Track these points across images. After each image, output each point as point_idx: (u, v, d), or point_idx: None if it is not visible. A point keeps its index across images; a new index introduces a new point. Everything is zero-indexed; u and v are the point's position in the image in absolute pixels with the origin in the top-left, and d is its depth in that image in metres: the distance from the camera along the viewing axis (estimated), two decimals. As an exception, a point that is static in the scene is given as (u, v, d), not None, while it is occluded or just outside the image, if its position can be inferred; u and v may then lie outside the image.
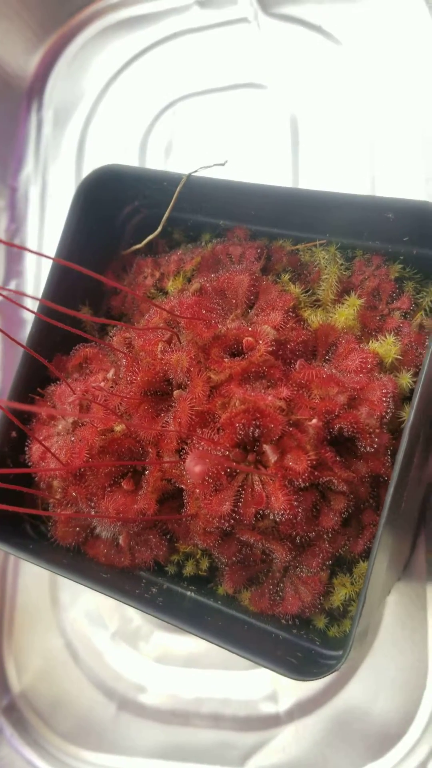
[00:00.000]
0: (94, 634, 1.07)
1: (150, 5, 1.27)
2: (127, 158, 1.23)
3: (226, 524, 0.66)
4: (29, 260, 1.28)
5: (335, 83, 1.10)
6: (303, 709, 0.94)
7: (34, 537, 0.80)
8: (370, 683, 0.91)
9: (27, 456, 0.77)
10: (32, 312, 0.70)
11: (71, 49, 1.32)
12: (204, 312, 0.72)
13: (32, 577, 1.11)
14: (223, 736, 0.96)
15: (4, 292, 1.22)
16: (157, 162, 1.21)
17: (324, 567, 0.69)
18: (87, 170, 1.25)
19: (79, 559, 0.76)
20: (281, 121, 1.13)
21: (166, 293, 0.82)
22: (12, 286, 1.26)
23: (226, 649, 0.62)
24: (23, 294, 0.65)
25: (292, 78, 1.14)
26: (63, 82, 1.32)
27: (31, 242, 1.27)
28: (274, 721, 0.95)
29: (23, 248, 0.56)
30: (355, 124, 1.08)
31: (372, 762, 0.87)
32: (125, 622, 1.05)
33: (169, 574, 0.76)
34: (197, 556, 0.75)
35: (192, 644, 1.00)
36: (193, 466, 0.60)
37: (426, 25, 1.06)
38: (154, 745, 0.98)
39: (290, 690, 0.95)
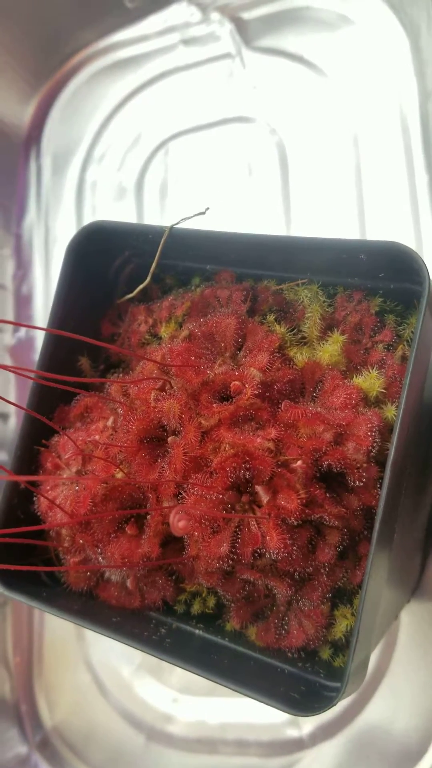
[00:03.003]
0: (119, 668, 1.10)
1: (136, 48, 1.31)
2: (126, 200, 1.26)
3: (226, 565, 0.68)
4: (38, 303, 1.32)
5: (319, 111, 1.13)
6: (325, 732, 0.96)
7: (49, 583, 0.83)
8: (389, 703, 0.93)
9: (36, 507, 0.80)
10: (30, 378, 0.73)
11: (64, 96, 1.37)
12: (193, 358, 0.75)
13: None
14: (249, 762, 0.98)
15: (14, 333, 1.27)
16: (154, 202, 1.25)
17: (325, 599, 0.71)
18: (87, 214, 1.30)
19: (91, 604, 0.79)
20: (270, 151, 1.16)
21: (159, 338, 0.85)
22: (23, 330, 1.30)
23: (230, 688, 0.64)
24: (35, 327, 0.68)
25: (277, 109, 1.17)
26: (58, 128, 1.36)
27: (38, 286, 1.32)
28: (297, 745, 0.97)
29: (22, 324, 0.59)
30: (340, 151, 1.10)
31: (395, 781, 0.89)
32: (149, 655, 1.07)
33: (178, 613, 0.78)
34: (203, 595, 0.78)
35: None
36: (177, 522, 0.62)
37: (403, 47, 1.08)
38: (183, 774, 1.01)
39: (312, 714, 0.97)
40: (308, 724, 0.97)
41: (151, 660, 1.07)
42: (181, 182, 1.24)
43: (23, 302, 1.32)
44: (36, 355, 1.25)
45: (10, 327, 1.32)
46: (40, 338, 1.23)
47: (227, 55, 1.23)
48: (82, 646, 1.13)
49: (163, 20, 1.28)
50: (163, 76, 1.29)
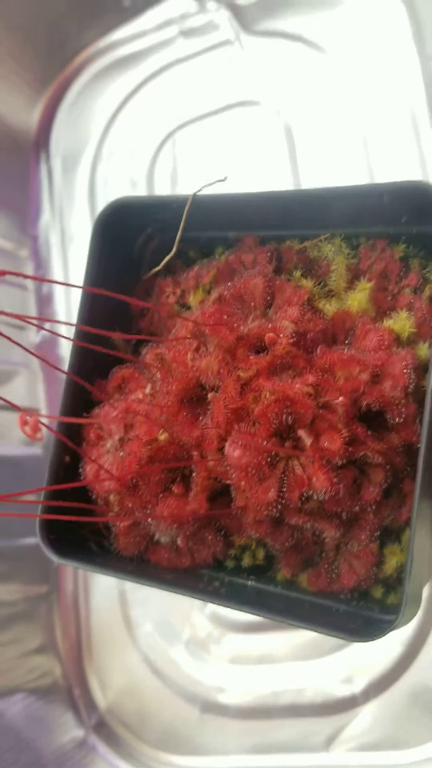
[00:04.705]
0: (168, 645, 1.11)
1: (136, 44, 1.33)
2: (137, 192, 1.28)
3: (275, 511, 0.70)
4: (59, 302, 1.34)
5: (322, 87, 1.15)
6: (378, 687, 0.97)
7: (99, 552, 0.85)
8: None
9: (82, 477, 0.82)
10: (70, 339, 0.75)
11: (69, 97, 1.39)
12: (225, 317, 0.77)
13: (102, 598, 1.16)
14: (303, 724, 0.99)
15: (42, 328, 1.29)
16: (165, 191, 1.27)
17: (373, 539, 0.73)
18: (100, 210, 1.32)
19: (143, 566, 0.81)
20: (276, 131, 1.18)
21: (189, 308, 0.87)
22: (46, 326, 1.32)
23: (289, 623, 0.66)
24: (56, 322, 0.70)
25: (280, 89, 1.19)
26: (65, 130, 1.39)
27: (57, 285, 1.33)
28: (351, 703, 0.98)
29: (53, 281, 0.61)
30: (346, 123, 1.12)
31: (452, 726, 0.90)
32: (196, 629, 1.09)
33: (229, 568, 0.80)
34: (252, 548, 0.80)
35: (262, 642, 1.04)
36: (232, 452, 0.64)
37: (400, 14, 1.09)
38: (240, 742, 1.02)
39: (363, 671, 0.98)
40: (360, 681, 0.98)
41: (198, 635, 1.09)
42: (191, 170, 1.26)
43: (45, 301, 1.35)
44: (61, 351, 1.28)
45: (32, 326, 1.35)
46: (64, 334, 1.25)
47: (226, 42, 1.25)
48: (129, 627, 1.14)
49: (161, 14, 1.30)
50: (164, 69, 1.31)
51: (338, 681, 0.99)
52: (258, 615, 0.67)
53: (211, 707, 1.06)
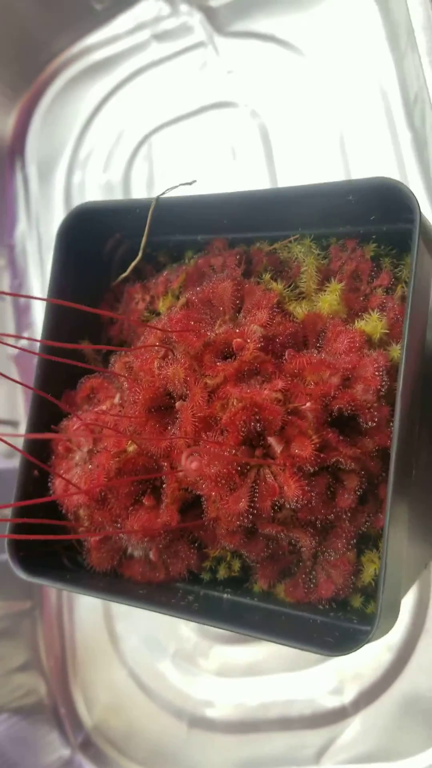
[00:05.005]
0: (154, 659, 1.08)
1: (109, 48, 1.32)
2: (114, 197, 1.27)
3: (247, 521, 0.68)
4: (37, 311, 1.32)
5: (297, 88, 1.13)
6: (368, 696, 0.94)
7: (72, 568, 0.82)
8: (428, 661, 0.92)
9: (51, 491, 0.80)
10: (33, 353, 0.74)
11: (43, 104, 1.38)
12: (192, 323, 0.74)
13: (87, 613, 1.14)
14: (293, 737, 0.97)
15: (15, 343, 1.27)
16: (141, 195, 1.25)
17: (350, 547, 0.71)
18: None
19: (116, 582, 0.79)
20: (252, 133, 1.16)
21: (158, 314, 0.85)
22: (25, 339, 1.30)
23: (263, 639, 0.63)
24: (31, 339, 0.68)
25: (255, 91, 1.17)
26: (40, 137, 1.37)
27: (35, 294, 1.32)
28: (341, 714, 0.95)
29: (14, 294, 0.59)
30: (322, 123, 1.10)
31: (443, 736, 0.88)
32: (182, 642, 1.07)
33: (204, 581, 0.78)
34: (228, 559, 0.77)
35: (249, 653, 1.02)
36: (189, 464, 0.62)
37: (373, 13, 1.08)
38: (228, 757, 1.00)
39: (353, 680, 0.95)
40: (350, 692, 0.95)
41: (185, 647, 1.06)
42: (167, 174, 1.24)
43: (22, 311, 1.33)
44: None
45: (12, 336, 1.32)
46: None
47: (200, 45, 1.23)
48: (114, 642, 1.12)
49: (133, 18, 1.29)
50: (138, 73, 1.30)
51: (327, 691, 0.97)
52: (232, 631, 0.64)
53: (199, 722, 1.03)
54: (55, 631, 1.16)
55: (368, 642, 0.60)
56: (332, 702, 0.96)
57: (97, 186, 1.29)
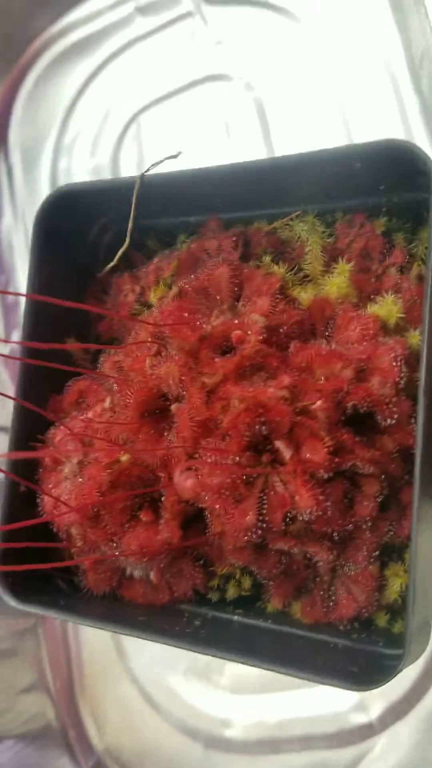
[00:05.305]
0: (165, 677, 1.01)
1: (91, 26, 1.24)
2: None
3: (255, 536, 0.60)
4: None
5: (293, 56, 1.05)
6: (395, 712, 0.87)
7: (67, 591, 0.75)
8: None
9: (40, 509, 0.72)
10: (13, 358, 0.66)
11: (24, 89, 1.30)
12: (187, 315, 0.67)
13: (93, 631, 1.06)
14: (317, 756, 0.90)
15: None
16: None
17: (372, 560, 0.63)
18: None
19: (116, 606, 0.71)
20: (247, 106, 1.08)
21: (150, 306, 0.77)
22: (14, 336, 1.23)
23: (279, 672, 0.56)
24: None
25: (248, 61, 1.09)
26: (23, 124, 1.29)
27: (23, 290, 1.24)
28: (368, 731, 0.88)
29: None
30: (321, 92, 1.01)
31: None
32: (194, 658, 0.99)
33: (212, 602, 0.70)
34: (237, 576, 0.70)
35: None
36: (183, 482, 0.54)
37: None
38: (248, 780, 0.93)
39: (379, 695, 0.88)
40: (376, 707, 0.88)
41: (198, 663, 0.99)
42: (158, 154, 1.16)
43: (10, 309, 1.25)
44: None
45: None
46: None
47: (187, 15, 1.15)
48: (123, 659, 1.04)
49: (114, -9, 1.21)
50: (123, 49, 1.22)
51: (351, 707, 0.89)
52: (244, 663, 0.57)
53: (215, 742, 0.96)
54: (61, 649, 1.08)
55: (399, 672, 0.53)
56: (358, 718, 0.89)
57: (84, 171, 1.21)
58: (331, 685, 0.54)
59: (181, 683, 1.00)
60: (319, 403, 0.57)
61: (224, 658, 0.59)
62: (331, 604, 0.65)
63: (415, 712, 0.86)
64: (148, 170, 0.70)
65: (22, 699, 1.06)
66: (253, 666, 0.57)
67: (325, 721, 0.90)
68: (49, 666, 1.09)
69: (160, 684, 1.01)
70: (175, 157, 0.72)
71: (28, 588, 0.72)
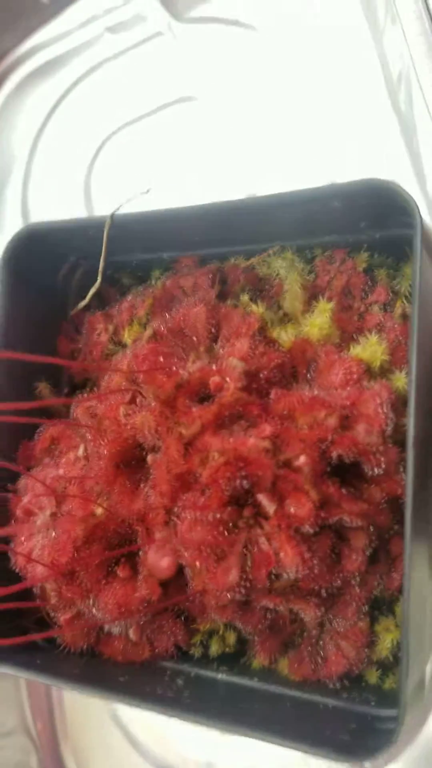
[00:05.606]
0: (150, 718, 0.97)
1: (60, 46, 1.21)
2: (74, 208, 1.15)
3: (239, 594, 0.57)
4: None
5: (267, 73, 1.02)
6: (388, 755, 0.84)
7: (45, 647, 0.72)
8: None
9: (13, 564, 0.69)
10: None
11: (-8, 111, 1.26)
12: (162, 359, 0.64)
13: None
14: (310, 803, 0.87)
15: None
16: (104, 205, 1.14)
17: (362, 614, 0.60)
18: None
19: (94, 663, 0.68)
20: (219, 127, 1.05)
21: (124, 345, 0.74)
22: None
23: (266, 741, 0.53)
24: None
25: (221, 80, 1.06)
26: (-10, 149, 1.26)
27: None
28: (361, 775, 0.85)
29: None
30: (297, 112, 0.99)
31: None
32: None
33: (195, 658, 0.67)
34: (221, 632, 0.67)
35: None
36: (159, 561, 0.51)
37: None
38: None
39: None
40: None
41: (184, 704, 0.96)
42: (130, 179, 1.13)
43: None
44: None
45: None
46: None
47: (157, 34, 1.12)
48: (106, 701, 1.01)
49: (83, 10, 1.18)
50: (93, 70, 1.19)
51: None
52: (228, 732, 0.54)
53: (202, 787, 0.93)
54: (42, 690, 1.05)
55: (393, 743, 0.50)
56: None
57: (55, 199, 1.18)
58: (322, 757, 0.51)
59: (166, 724, 0.96)
60: (302, 458, 0.54)
61: (210, 727, 0.55)
62: (319, 660, 0.62)
63: (409, 752, 0.83)
64: (118, 209, 0.67)
65: (2, 744, 1.02)
66: (240, 735, 0.54)
67: (318, 766, 0.87)
68: (29, 708, 1.05)
69: (145, 726, 0.98)
70: (146, 192, 0.69)
71: (1, 648, 0.68)
